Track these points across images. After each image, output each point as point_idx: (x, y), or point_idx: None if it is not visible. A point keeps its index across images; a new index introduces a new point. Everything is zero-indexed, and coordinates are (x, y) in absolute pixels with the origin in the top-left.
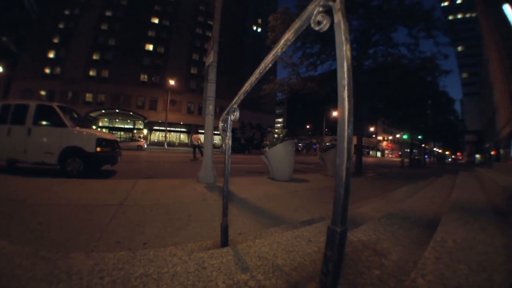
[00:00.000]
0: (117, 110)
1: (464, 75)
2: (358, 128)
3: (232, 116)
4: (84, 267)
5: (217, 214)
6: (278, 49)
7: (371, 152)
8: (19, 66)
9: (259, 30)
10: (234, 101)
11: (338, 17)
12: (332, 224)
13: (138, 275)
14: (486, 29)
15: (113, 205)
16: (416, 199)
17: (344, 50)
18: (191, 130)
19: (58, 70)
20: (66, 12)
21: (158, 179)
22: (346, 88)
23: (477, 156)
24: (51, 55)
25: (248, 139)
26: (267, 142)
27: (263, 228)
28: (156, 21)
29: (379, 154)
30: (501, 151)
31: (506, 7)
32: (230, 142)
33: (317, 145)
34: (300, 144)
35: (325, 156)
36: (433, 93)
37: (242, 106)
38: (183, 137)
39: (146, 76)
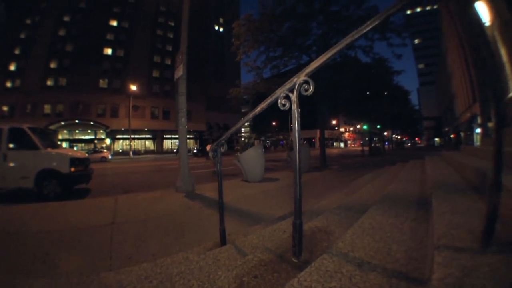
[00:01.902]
0: (76, 121)
1: (421, 65)
2: (321, 122)
3: (221, 148)
4: (125, 281)
5: (205, 220)
6: (256, 111)
7: (334, 144)
8: None
9: (221, 29)
10: (224, 136)
11: (294, 106)
12: (294, 219)
13: (175, 273)
14: (447, 21)
15: (106, 225)
16: (363, 191)
17: (296, 124)
18: (156, 135)
19: (18, 82)
20: (28, 21)
21: (136, 193)
22: (297, 135)
23: (436, 139)
24: (12, 67)
25: (216, 140)
26: (239, 148)
27: (248, 227)
28: (114, 23)
29: (342, 144)
30: (462, 134)
31: (477, 5)
32: (221, 168)
33: (284, 141)
34: (268, 142)
35: (292, 154)
36: (388, 88)
37: (208, 107)
38: (149, 143)
39: (106, 82)
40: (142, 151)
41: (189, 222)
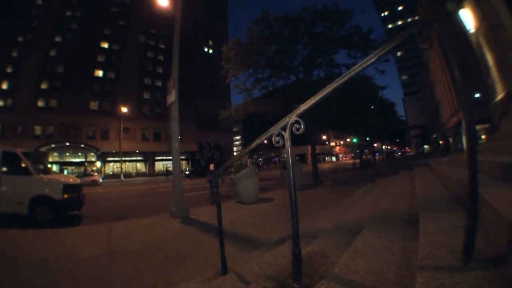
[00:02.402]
0: (67, 143)
1: (404, 77)
2: (311, 138)
3: (220, 179)
4: None
5: (203, 247)
6: (252, 146)
7: (326, 158)
8: None
9: (210, 51)
10: (221, 168)
11: (287, 144)
12: (293, 247)
13: None
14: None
15: (103, 255)
16: (356, 210)
17: (289, 161)
18: (147, 157)
19: (10, 101)
20: (20, 39)
21: (130, 220)
22: (291, 172)
23: (426, 146)
24: (4, 86)
25: (208, 160)
26: (232, 170)
27: (247, 252)
28: (105, 45)
29: (334, 158)
30: (450, 139)
31: (461, 13)
32: (219, 199)
33: (277, 159)
34: (260, 159)
35: (285, 173)
36: (374, 102)
37: (199, 127)
38: (140, 166)
39: (96, 104)
40: (133, 174)
41: (187, 249)
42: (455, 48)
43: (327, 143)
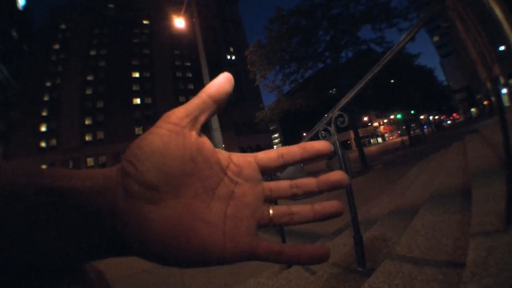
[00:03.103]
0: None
1: (436, 38)
2: (352, 122)
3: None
4: None
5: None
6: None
7: (372, 141)
8: (12, 143)
9: (233, 57)
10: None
11: (334, 137)
12: (354, 233)
13: None
14: None
15: (146, 270)
16: (411, 191)
17: (339, 153)
18: None
19: (53, 141)
20: (48, 84)
21: None
22: (342, 160)
23: (472, 110)
24: (43, 128)
25: None
26: None
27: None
28: (137, 75)
29: (380, 139)
30: (493, 98)
31: None
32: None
33: None
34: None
35: (331, 163)
36: (411, 72)
37: (237, 133)
38: None
39: (141, 129)
40: None
41: None
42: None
43: (369, 124)
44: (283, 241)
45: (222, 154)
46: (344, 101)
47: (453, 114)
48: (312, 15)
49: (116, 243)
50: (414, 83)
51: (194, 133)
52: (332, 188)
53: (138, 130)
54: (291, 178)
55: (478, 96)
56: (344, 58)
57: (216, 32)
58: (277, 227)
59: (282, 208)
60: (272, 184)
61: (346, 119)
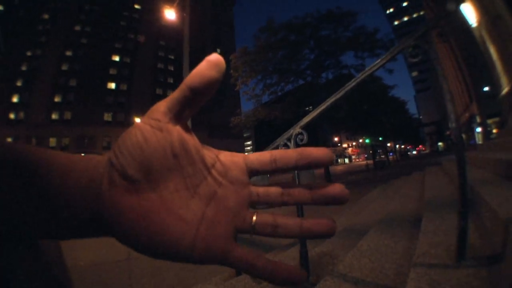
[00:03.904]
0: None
1: (414, 73)
2: (322, 141)
3: None
4: None
5: None
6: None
7: (339, 160)
8: None
9: None
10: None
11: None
12: (300, 247)
13: None
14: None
15: (122, 260)
16: (367, 212)
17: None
18: None
19: (22, 115)
20: (29, 53)
21: None
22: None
23: (440, 144)
24: (15, 99)
25: None
26: None
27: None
28: (117, 58)
29: (347, 160)
30: (463, 136)
31: (463, 8)
32: None
33: None
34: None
35: (298, 175)
36: (385, 101)
37: (210, 135)
38: None
39: (110, 115)
40: None
41: None
42: (462, 43)
43: (339, 144)
44: None
45: (209, 152)
46: (305, 120)
47: (420, 146)
48: (301, 32)
49: (98, 224)
50: (386, 111)
51: (178, 128)
52: (328, 203)
53: (107, 116)
54: (253, 183)
55: (447, 132)
56: (324, 78)
57: (206, 31)
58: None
59: (267, 218)
60: (262, 190)
61: (305, 137)
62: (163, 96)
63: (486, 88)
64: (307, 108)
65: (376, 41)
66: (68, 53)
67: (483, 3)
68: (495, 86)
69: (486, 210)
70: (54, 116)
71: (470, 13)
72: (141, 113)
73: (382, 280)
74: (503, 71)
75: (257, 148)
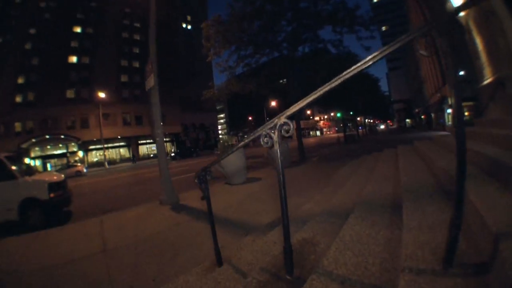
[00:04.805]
0: (47, 137)
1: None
2: (296, 114)
3: (209, 176)
4: None
5: (197, 235)
6: (243, 144)
7: (311, 133)
8: None
9: (189, 27)
10: (211, 163)
11: (276, 145)
12: (284, 243)
13: None
14: (415, 9)
15: (98, 252)
16: (343, 191)
17: (279, 162)
18: (131, 142)
19: None
20: None
21: (120, 211)
22: (279, 163)
23: (408, 120)
24: None
25: (194, 141)
26: (219, 152)
27: (239, 238)
28: (78, 30)
29: (318, 133)
30: (433, 115)
31: None
32: (209, 195)
33: None
34: (246, 136)
35: (272, 152)
36: (359, 78)
37: (182, 108)
38: (124, 151)
39: (73, 92)
40: (118, 160)
41: (180, 239)
42: (442, 29)
43: (311, 118)
44: (212, 229)
45: None
46: (293, 109)
47: (388, 121)
48: (279, 2)
49: None
50: (360, 88)
51: None
52: None
53: (70, 94)
54: (231, 164)
55: (417, 110)
56: (300, 52)
57: None
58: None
59: None
60: None
61: (292, 128)
62: (129, 68)
63: (462, 72)
64: (281, 81)
65: (356, 17)
66: (32, 31)
67: None
68: (473, 72)
69: (473, 215)
70: (18, 99)
71: (458, 2)
72: (106, 87)
73: (368, 278)
74: (488, 62)
75: (231, 121)
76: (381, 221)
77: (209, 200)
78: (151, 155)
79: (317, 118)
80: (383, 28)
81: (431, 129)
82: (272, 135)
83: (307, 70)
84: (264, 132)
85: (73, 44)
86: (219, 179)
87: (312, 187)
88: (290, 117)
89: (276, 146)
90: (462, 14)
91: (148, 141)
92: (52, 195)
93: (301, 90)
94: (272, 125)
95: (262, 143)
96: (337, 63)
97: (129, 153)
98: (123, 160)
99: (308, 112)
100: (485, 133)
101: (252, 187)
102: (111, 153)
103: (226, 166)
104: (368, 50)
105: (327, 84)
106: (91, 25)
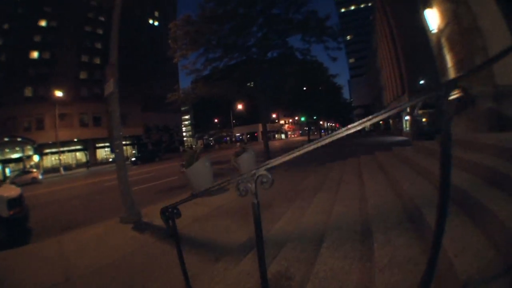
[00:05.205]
0: (6, 139)
1: (351, 60)
2: (263, 117)
3: (176, 216)
4: None
5: (164, 260)
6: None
7: (276, 136)
8: None
9: (155, 23)
10: (180, 202)
11: (254, 200)
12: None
13: None
14: (381, 21)
15: (61, 283)
16: (312, 210)
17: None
18: (88, 146)
19: None
20: None
21: (79, 229)
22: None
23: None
24: None
25: (156, 143)
26: (184, 163)
27: (209, 264)
28: (43, 23)
29: (283, 136)
30: (391, 121)
31: (426, 12)
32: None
33: (228, 138)
34: (211, 139)
35: (238, 160)
36: (324, 85)
37: (145, 108)
38: (80, 155)
39: (30, 90)
40: (73, 165)
41: (148, 265)
42: (405, 40)
43: (277, 121)
44: (179, 252)
45: None
46: (274, 163)
47: (348, 126)
48: (252, 6)
49: None
50: (325, 95)
51: None
52: None
53: (28, 92)
54: (196, 173)
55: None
56: (269, 57)
57: None
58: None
59: None
60: None
61: (271, 180)
62: (89, 64)
63: (422, 82)
64: (249, 84)
65: (325, 28)
66: None
67: (457, 12)
68: (434, 81)
69: (442, 256)
70: None
71: (433, 19)
72: (64, 85)
73: None
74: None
75: (196, 123)
76: (352, 252)
77: (177, 239)
78: (110, 159)
79: (282, 122)
80: (348, 37)
81: (390, 134)
82: (250, 185)
83: (275, 75)
84: (241, 182)
85: (32, 37)
86: (185, 188)
87: (281, 200)
88: (270, 169)
89: (255, 201)
90: (435, 31)
91: (106, 144)
92: (11, 212)
93: (269, 94)
94: (250, 175)
95: (237, 193)
96: (306, 72)
97: (86, 158)
98: (79, 165)
99: (274, 115)
100: (456, 156)
101: (220, 199)
102: (67, 157)
103: (193, 177)
104: (335, 61)
105: (363, 119)
106: (53, 18)
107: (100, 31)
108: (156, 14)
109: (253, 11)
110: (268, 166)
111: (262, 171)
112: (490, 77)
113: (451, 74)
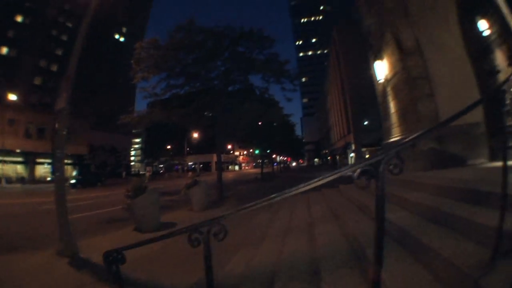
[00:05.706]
0: None
1: (305, 100)
2: (218, 148)
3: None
4: None
5: None
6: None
7: (230, 167)
8: None
9: (121, 39)
10: (125, 247)
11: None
12: None
13: None
14: (335, 69)
15: None
16: (264, 248)
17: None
18: (29, 159)
19: None
20: None
21: (10, 258)
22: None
23: (316, 160)
24: None
25: (100, 166)
26: (129, 194)
27: None
28: (19, 19)
29: (237, 167)
30: (337, 157)
31: (376, 64)
32: None
33: (180, 166)
34: (162, 166)
35: (190, 192)
36: (279, 123)
37: (92, 125)
38: (20, 169)
39: None
40: (14, 179)
41: None
42: (358, 89)
43: (231, 152)
44: None
45: None
46: (228, 216)
47: (299, 159)
48: (219, 41)
49: None
50: (279, 130)
51: None
52: None
53: None
54: (142, 207)
55: (324, 151)
56: (230, 90)
57: (116, 5)
58: None
59: None
60: None
61: (224, 232)
62: (46, 69)
63: (366, 123)
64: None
65: (284, 71)
66: None
67: (408, 63)
68: (372, 123)
69: None
70: None
71: (381, 70)
72: (16, 88)
73: None
74: (398, 124)
75: (146, 147)
76: None
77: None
78: (48, 179)
79: (237, 153)
80: (303, 79)
81: (336, 168)
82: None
83: (234, 109)
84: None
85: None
86: (127, 222)
87: (232, 237)
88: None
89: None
90: (382, 80)
91: (46, 160)
92: None
93: (227, 126)
94: (204, 225)
95: (189, 242)
96: (263, 109)
97: (26, 172)
98: (18, 179)
99: (229, 146)
100: (397, 195)
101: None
102: (8, 169)
103: (138, 211)
104: (290, 101)
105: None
106: (26, 15)
107: (64, 37)
108: (124, 30)
109: (220, 46)
110: (223, 218)
111: (216, 224)
112: (434, 119)
113: (393, 119)
